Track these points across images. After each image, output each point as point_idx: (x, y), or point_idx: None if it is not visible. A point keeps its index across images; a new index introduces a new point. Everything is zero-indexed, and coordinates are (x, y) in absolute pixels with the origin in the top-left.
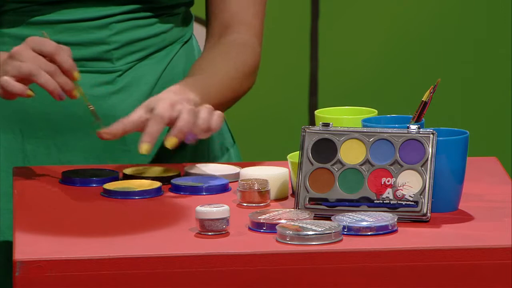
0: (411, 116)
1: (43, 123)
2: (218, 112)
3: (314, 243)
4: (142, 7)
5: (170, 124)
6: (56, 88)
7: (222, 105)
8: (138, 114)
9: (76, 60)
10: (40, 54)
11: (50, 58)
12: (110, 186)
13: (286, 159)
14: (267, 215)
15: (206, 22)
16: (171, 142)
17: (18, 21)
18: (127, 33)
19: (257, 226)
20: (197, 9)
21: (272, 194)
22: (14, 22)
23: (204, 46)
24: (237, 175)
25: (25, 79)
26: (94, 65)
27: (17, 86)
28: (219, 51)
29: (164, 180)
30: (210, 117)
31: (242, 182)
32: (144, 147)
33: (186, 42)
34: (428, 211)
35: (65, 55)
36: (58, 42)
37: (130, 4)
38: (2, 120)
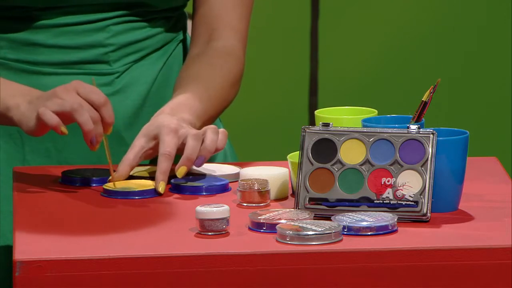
0: (411, 116)
1: None
2: (222, 131)
3: (314, 243)
4: (137, 11)
5: (178, 152)
6: (92, 131)
7: (213, 118)
8: (139, 145)
9: (74, 63)
10: (86, 100)
11: (95, 107)
12: (109, 186)
13: (286, 159)
14: (267, 215)
15: (192, 23)
16: (181, 172)
17: (15, 26)
18: (124, 35)
19: (257, 226)
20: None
21: (272, 194)
22: (11, 27)
23: (189, 48)
24: (237, 175)
25: (63, 117)
26: (92, 67)
27: (55, 118)
28: (205, 62)
29: None
30: (216, 138)
31: (242, 182)
32: (161, 187)
33: (180, 41)
34: (428, 211)
35: (111, 108)
36: (58, 46)
37: (126, 9)
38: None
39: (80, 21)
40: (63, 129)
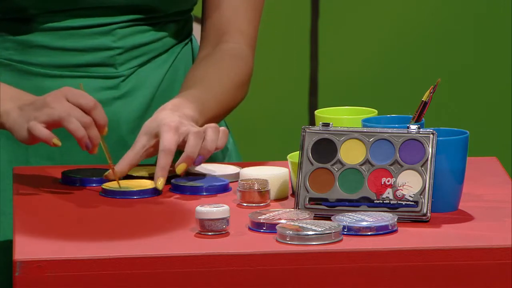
0: (411, 116)
1: None
2: (223, 129)
3: (314, 243)
4: (145, 15)
5: (179, 148)
6: (84, 137)
7: (216, 119)
8: (141, 143)
9: (80, 65)
10: (76, 106)
11: (86, 112)
12: (108, 186)
13: (286, 159)
14: (267, 215)
15: (202, 25)
16: (180, 168)
17: (21, 28)
18: (131, 38)
19: (257, 226)
20: (198, 9)
21: (272, 194)
22: (17, 29)
23: (198, 49)
24: (237, 175)
25: (55, 125)
26: (98, 70)
27: (44, 132)
28: (213, 63)
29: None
30: (217, 137)
31: (242, 182)
32: (159, 182)
33: (186, 44)
34: (428, 211)
35: (102, 110)
36: (63, 48)
37: (134, 13)
38: None
39: (87, 25)
40: (55, 141)
